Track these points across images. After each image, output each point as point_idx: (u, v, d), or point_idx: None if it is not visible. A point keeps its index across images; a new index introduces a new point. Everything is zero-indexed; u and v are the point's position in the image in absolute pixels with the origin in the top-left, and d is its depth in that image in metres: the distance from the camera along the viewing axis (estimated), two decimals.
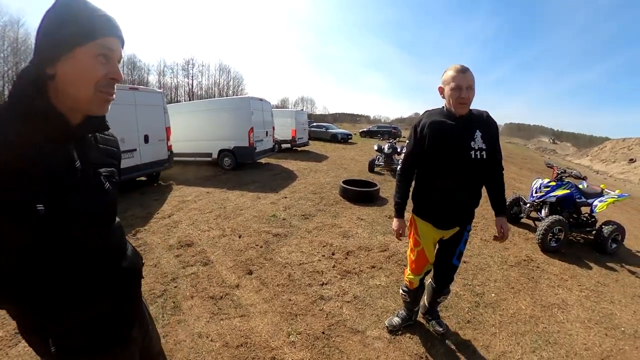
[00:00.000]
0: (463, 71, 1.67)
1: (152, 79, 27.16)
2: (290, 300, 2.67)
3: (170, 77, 29.53)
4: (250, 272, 3.12)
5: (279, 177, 8.04)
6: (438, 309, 2.42)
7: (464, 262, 3.42)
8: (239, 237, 3.99)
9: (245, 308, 2.56)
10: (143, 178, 7.56)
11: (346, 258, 3.46)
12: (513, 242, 4.23)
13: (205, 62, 31.96)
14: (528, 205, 4.67)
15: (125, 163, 6.15)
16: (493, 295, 2.89)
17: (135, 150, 6.38)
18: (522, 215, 4.86)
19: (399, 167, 1.97)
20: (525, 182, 9.14)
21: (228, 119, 8.81)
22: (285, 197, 5.87)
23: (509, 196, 5.17)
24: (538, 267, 3.52)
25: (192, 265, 3.24)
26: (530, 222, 4.96)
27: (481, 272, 3.30)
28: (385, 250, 3.67)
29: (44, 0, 0.72)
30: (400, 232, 2.01)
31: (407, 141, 1.91)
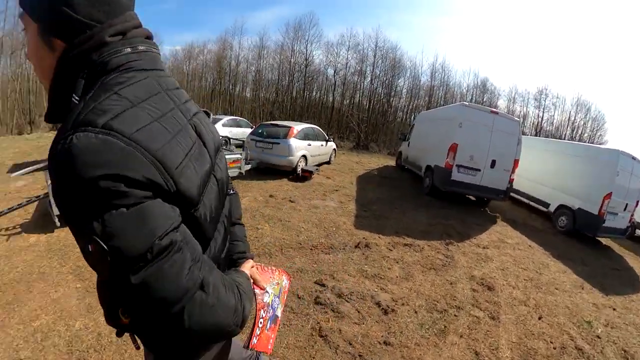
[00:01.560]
0: None
1: (501, 103, 25.78)
2: None
3: (520, 105, 26.43)
4: None
5: (618, 274, 5.47)
6: None
7: None
8: (539, 318, 3.31)
9: None
10: (473, 198, 7.94)
11: None
12: None
13: (560, 94, 25.02)
14: None
15: (463, 178, 6.69)
16: None
17: (479, 170, 6.77)
18: None
19: None
20: None
21: (583, 172, 6.94)
22: (615, 309, 3.95)
23: None
24: None
25: (481, 310, 3.19)
26: None
27: None
28: None
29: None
30: None
31: None
